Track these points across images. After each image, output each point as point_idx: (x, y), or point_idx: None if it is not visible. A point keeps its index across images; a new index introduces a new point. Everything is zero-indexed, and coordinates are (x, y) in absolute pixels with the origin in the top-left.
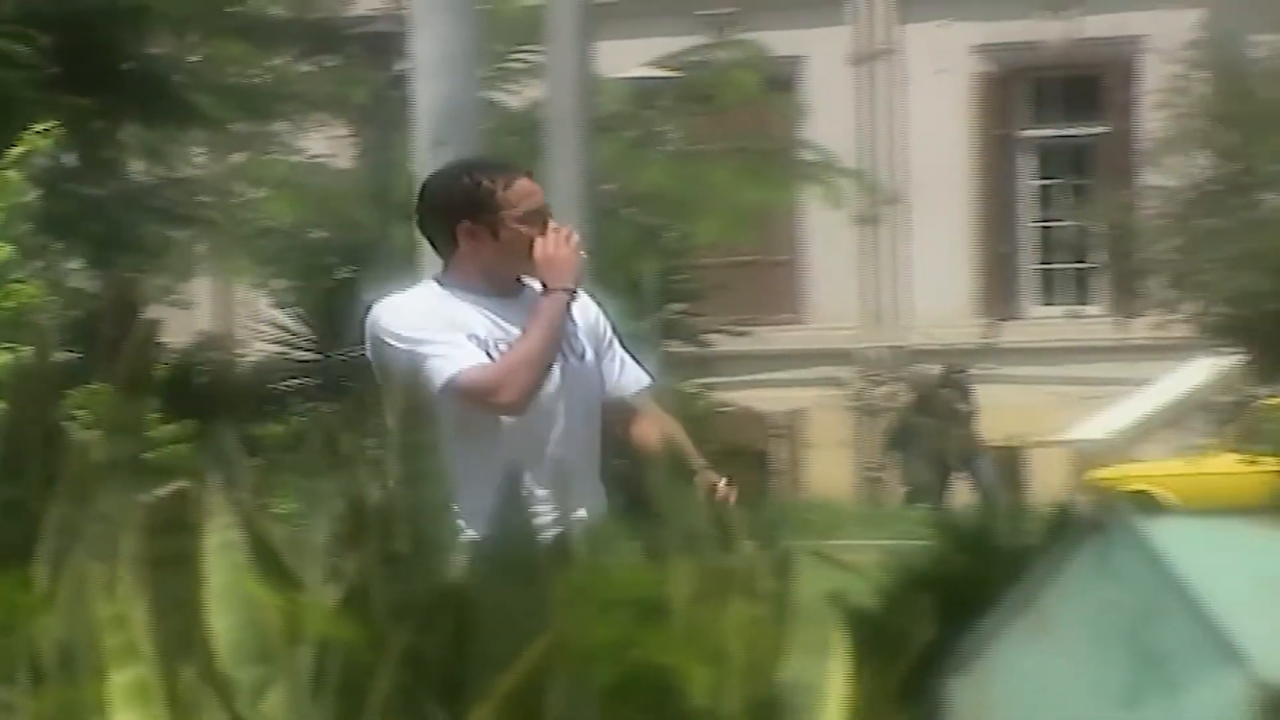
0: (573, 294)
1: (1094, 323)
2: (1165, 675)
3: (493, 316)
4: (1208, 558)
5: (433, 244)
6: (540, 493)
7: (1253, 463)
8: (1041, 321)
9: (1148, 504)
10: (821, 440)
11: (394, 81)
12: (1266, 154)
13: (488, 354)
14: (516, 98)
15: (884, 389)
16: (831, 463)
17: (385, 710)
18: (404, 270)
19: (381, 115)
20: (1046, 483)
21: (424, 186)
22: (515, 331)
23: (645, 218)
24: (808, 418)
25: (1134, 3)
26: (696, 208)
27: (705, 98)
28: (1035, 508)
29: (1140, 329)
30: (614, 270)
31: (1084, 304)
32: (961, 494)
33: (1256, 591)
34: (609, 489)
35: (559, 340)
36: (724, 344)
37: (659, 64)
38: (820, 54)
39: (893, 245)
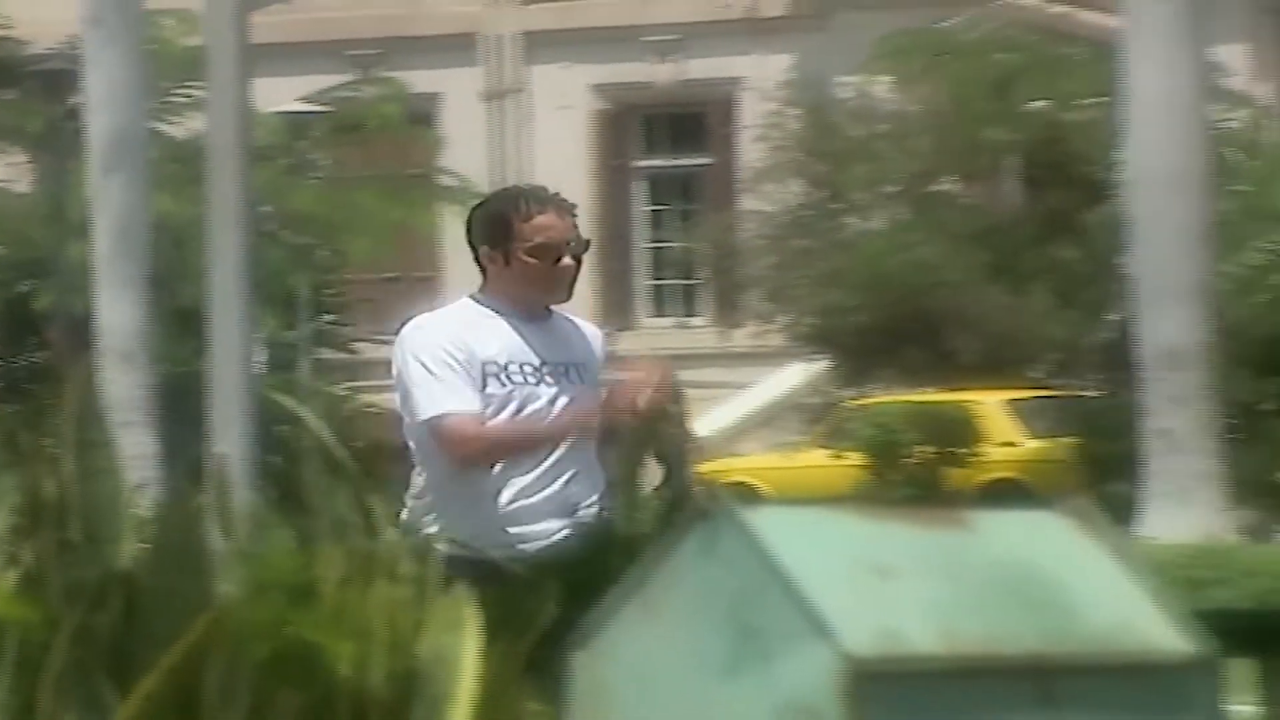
0: (624, 423)
1: (700, 332)
2: (762, 648)
3: (519, 338)
4: (801, 543)
5: (476, 263)
6: (552, 499)
7: (839, 457)
8: (653, 331)
9: (747, 495)
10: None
11: (68, 113)
12: (850, 182)
13: (503, 377)
14: (180, 129)
15: None
16: None
17: (59, 684)
18: (80, 283)
19: (57, 144)
20: (658, 476)
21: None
22: (535, 355)
23: (299, 238)
24: None
25: (733, 48)
26: (345, 228)
27: (352, 129)
28: (649, 499)
29: (740, 338)
30: (271, 285)
31: (691, 315)
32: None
33: (844, 572)
34: (265, 483)
35: (556, 442)
36: (371, 351)
37: (311, 99)
38: (456, 91)
39: None
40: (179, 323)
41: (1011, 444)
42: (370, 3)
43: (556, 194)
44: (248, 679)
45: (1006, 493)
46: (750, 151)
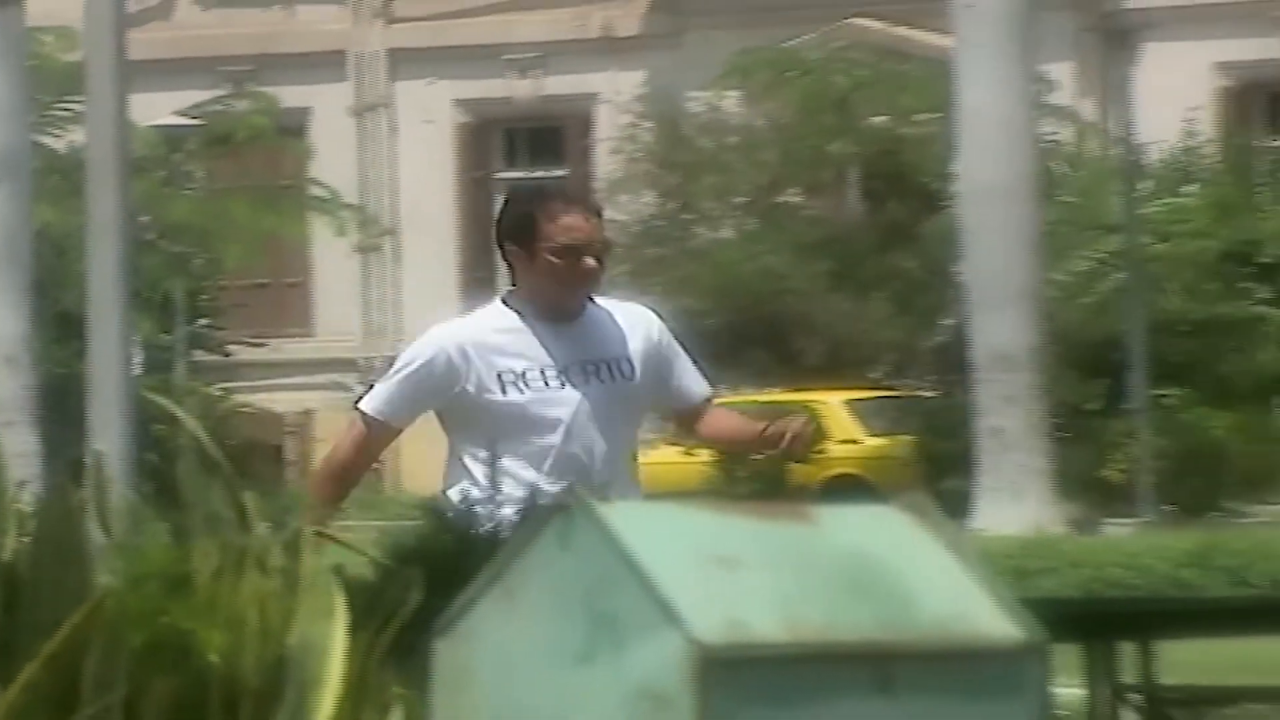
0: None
1: None
2: (615, 636)
3: (538, 342)
4: (652, 536)
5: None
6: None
7: (690, 454)
8: None
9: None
10: (328, 436)
11: None
12: (700, 193)
13: (520, 385)
14: (61, 142)
15: None
16: None
17: None
18: None
19: None
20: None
21: (500, 206)
22: (560, 358)
23: (175, 246)
24: (316, 417)
25: (590, 65)
26: (219, 237)
27: (224, 140)
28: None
29: None
30: (148, 290)
31: None
32: None
33: (693, 564)
34: (143, 480)
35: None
36: (244, 354)
37: (185, 113)
38: (325, 106)
39: (389, 270)
40: (60, 327)
41: (853, 441)
42: (242, 21)
43: (585, 195)
44: (124, 667)
45: (848, 488)
46: (606, 163)
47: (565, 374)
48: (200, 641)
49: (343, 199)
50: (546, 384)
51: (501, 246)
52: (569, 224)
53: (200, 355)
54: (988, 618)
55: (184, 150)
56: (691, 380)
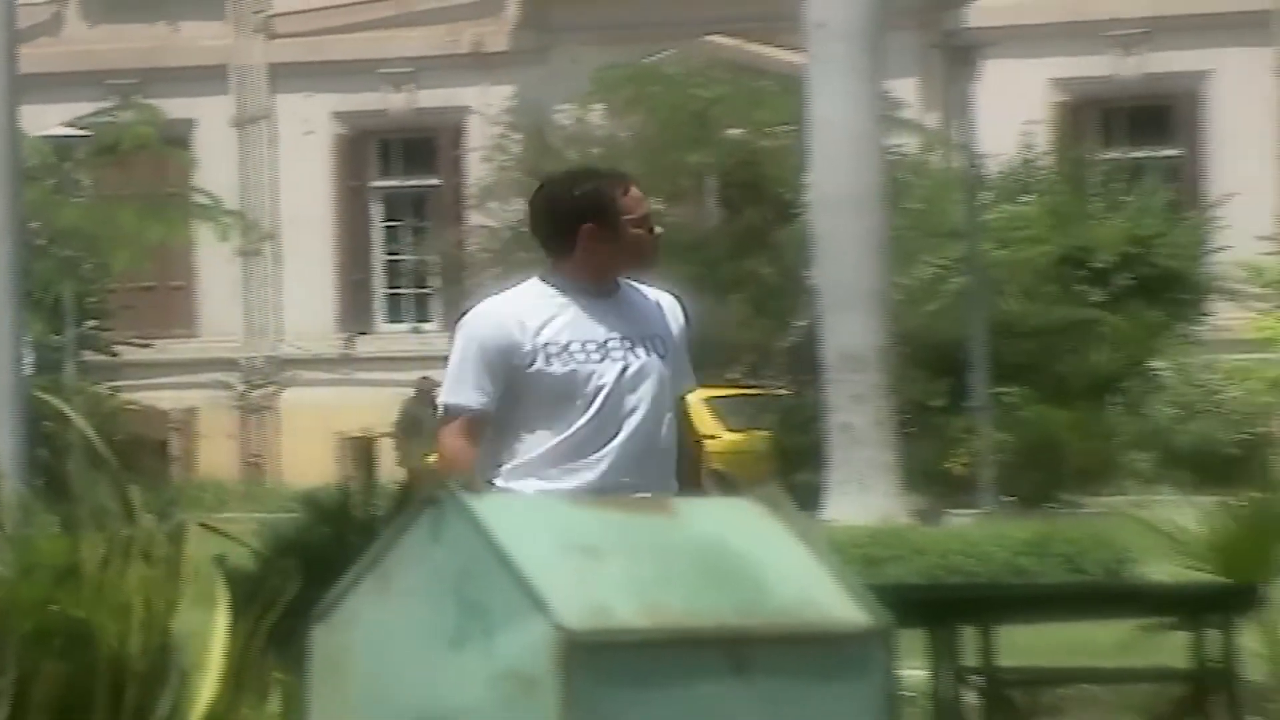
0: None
1: (432, 336)
2: (485, 623)
3: (584, 315)
4: (519, 527)
5: (546, 246)
6: (622, 475)
7: None
8: (389, 335)
9: (476, 484)
10: (211, 432)
11: None
12: None
13: (565, 356)
14: None
15: (261, 390)
16: (219, 451)
17: None
18: None
19: None
20: (392, 466)
21: (542, 192)
22: (601, 332)
23: (65, 251)
24: (200, 414)
25: (461, 79)
26: (107, 242)
27: (111, 150)
28: (384, 486)
29: None
30: (39, 293)
31: (423, 321)
32: None
33: (558, 553)
34: (33, 474)
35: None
36: (131, 354)
37: (73, 124)
38: (208, 117)
39: (270, 273)
40: None
41: (712, 437)
42: (128, 36)
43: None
44: (15, 652)
45: (706, 481)
46: (476, 172)
47: (607, 346)
48: (88, 628)
49: (225, 206)
50: (589, 357)
51: (570, 229)
52: (638, 195)
53: (89, 355)
54: (837, 604)
55: (73, 159)
56: (685, 371)
